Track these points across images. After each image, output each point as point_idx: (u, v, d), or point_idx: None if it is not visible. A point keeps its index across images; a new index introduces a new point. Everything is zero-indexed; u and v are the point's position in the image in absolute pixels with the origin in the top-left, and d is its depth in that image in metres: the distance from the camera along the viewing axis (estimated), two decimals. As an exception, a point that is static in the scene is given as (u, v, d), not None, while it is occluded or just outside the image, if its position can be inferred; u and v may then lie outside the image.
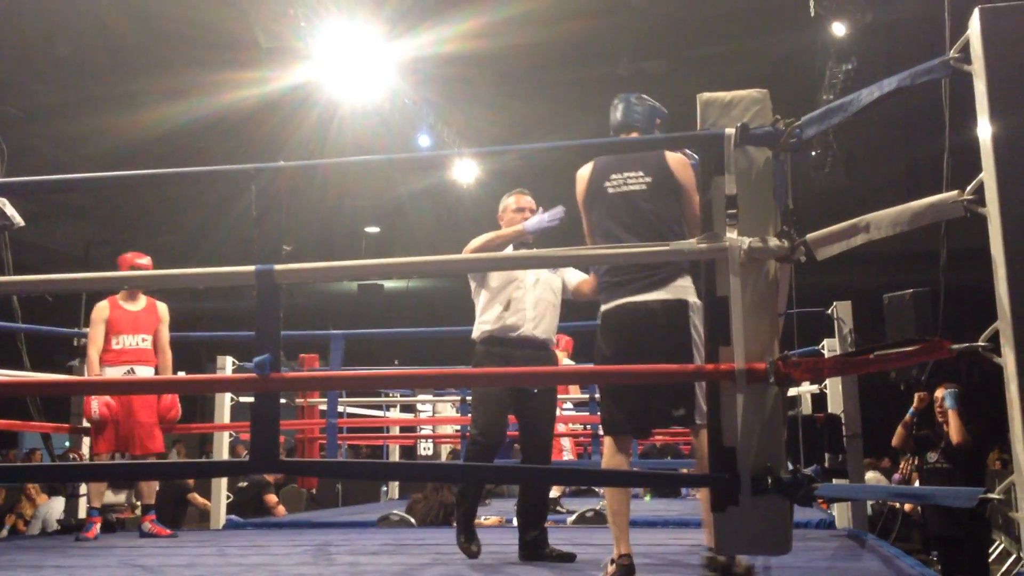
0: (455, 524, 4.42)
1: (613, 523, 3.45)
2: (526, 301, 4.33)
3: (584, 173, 3.77)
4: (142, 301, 5.98)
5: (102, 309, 5.85)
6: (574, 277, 4.47)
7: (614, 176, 3.67)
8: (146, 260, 5.83)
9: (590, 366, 3.54)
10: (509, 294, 4.32)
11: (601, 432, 3.62)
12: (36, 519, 8.60)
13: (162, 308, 6.05)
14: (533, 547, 4.26)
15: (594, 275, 4.17)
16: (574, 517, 6.71)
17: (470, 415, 4.55)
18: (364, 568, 4.08)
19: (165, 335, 6.00)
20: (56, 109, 12.17)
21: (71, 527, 6.19)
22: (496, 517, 7.07)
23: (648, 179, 3.61)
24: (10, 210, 5.10)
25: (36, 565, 4.36)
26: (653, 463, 9.01)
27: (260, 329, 2.85)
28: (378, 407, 9.86)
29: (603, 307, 3.62)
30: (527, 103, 12.73)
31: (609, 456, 3.54)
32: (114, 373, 5.71)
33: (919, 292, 5.30)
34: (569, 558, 4.19)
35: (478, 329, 4.36)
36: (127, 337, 5.83)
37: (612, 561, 3.39)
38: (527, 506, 4.35)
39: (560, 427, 8.24)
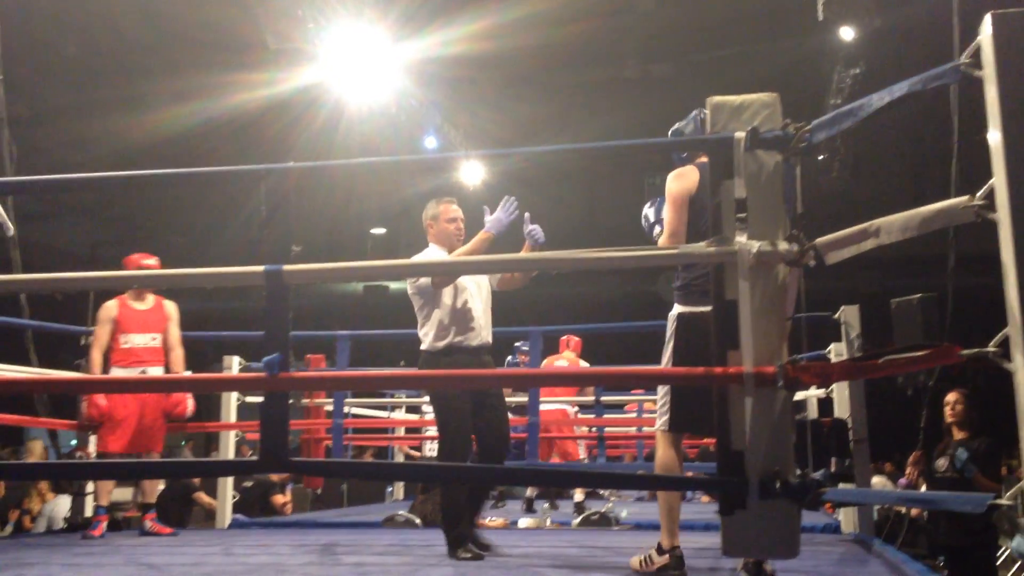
0: (450, 543, 4.43)
1: (668, 516, 3.58)
2: (477, 311, 4.53)
3: (693, 171, 3.62)
4: (150, 300, 5.99)
5: (110, 308, 5.85)
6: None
7: None
8: (153, 261, 5.83)
9: (615, 367, 3.57)
10: (463, 305, 4.49)
11: (663, 428, 3.68)
12: (42, 517, 8.61)
13: (170, 306, 6.06)
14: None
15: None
16: (579, 519, 6.71)
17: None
18: (370, 568, 4.08)
19: (175, 333, 6.01)
20: (65, 110, 12.20)
21: (77, 525, 6.20)
22: (501, 519, 7.07)
23: None
24: (1, 217, 5.12)
25: (43, 563, 4.36)
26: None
27: (269, 329, 2.87)
28: (383, 408, 9.87)
29: (686, 308, 3.62)
30: (534, 105, 12.75)
31: (667, 452, 3.66)
32: (126, 374, 5.71)
33: (926, 297, 5.29)
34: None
35: (439, 340, 4.48)
36: (136, 336, 5.84)
37: (661, 552, 3.55)
38: (475, 497, 4.55)
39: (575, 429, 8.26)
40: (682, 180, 3.63)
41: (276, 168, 3.03)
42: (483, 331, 4.55)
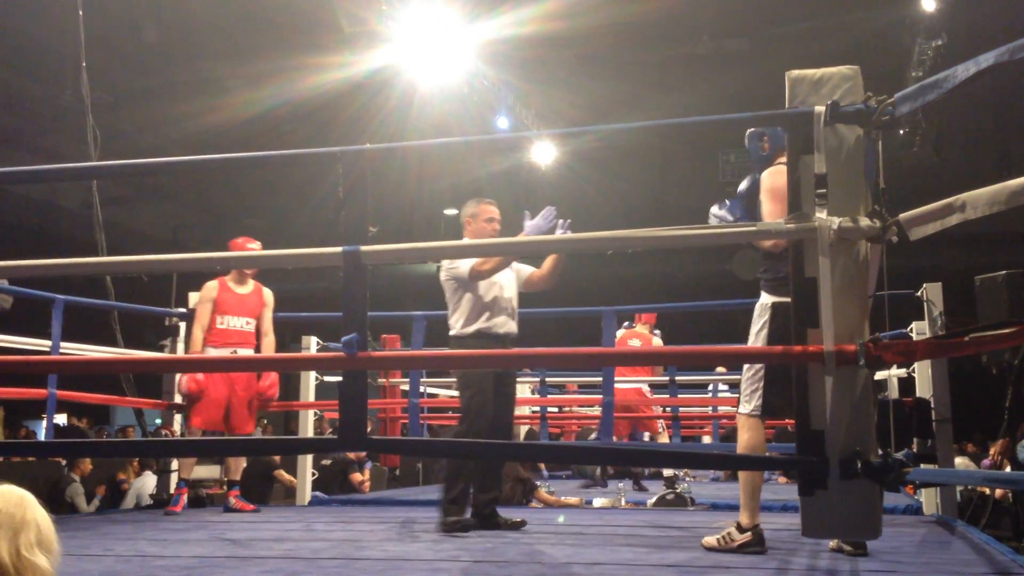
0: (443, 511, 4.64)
1: (750, 496, 3.68)
2: (506, 301, 4.75)
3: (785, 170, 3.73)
4: (250, 285, 6.07)
5: (211, 289, 5.94)
6: (527, 271, 4.88)
7: None
8: (256, 244, 5.92)
9: (693, 346, 3.55)
10: (493, 295, 4.70)
11: (754, 414, 3.74)
12: (130, 494, 8.87)
13: (268, 294, 6.14)
14: (488, 516, 4.71)
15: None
16: (654, 500, 6.69)
17: (463, 408, 4.80)
18: (447, 545, 4.13)
19: (269, 319, 6.10)
20: (144, 94, 12.46)
21: (163, 502, 6.37)
22: (576, 498, 7.09)
23: None
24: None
25: (130, 538, 4.49)
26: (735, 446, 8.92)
27: (347, 309, 2.89)
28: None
29: (780, 299, 3.67)
30: (606, 84, 12.67)
31: (755, 436, 3.74)
32: (218, 354, 5.82)
33: (1012, 274, 5.15)
34: (521, 524, 4.64)
35: (468, 325, 4.69)
36: (232, 318, 5.94)
37: (742, 530, 3.64)
38: (483, 471, 4.76)
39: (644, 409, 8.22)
40: (781, 176, 3.63)
41: (351, 150, 3.05)
42: (510, 321, 4.76)
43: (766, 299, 3.76)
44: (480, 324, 4.66)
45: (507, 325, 4.73)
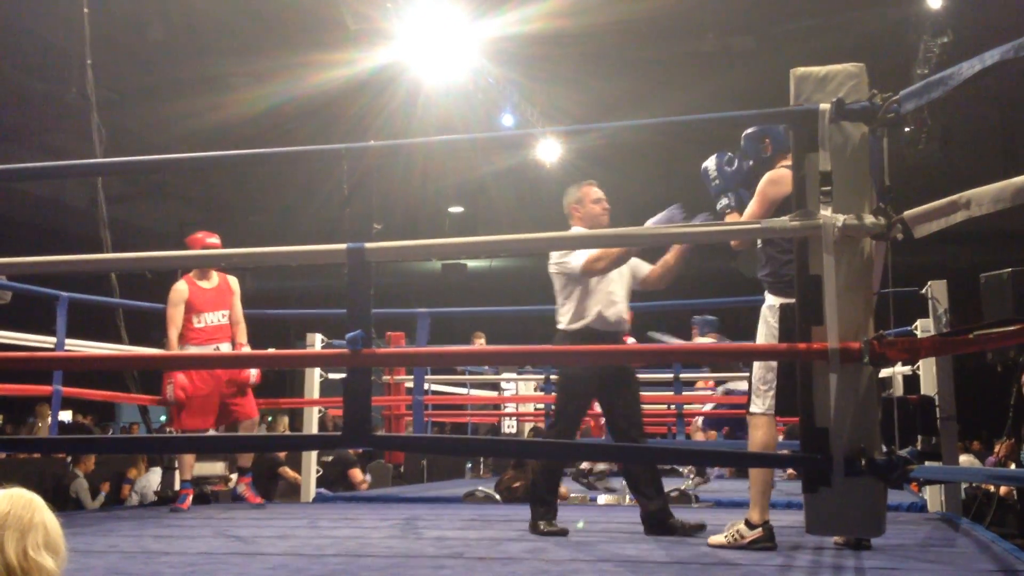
0: (533, 508, 4.47)
1: (761, 493, 3.70)
2: (618, 295, 4.52)
3: (789, 176, 3.69)
4: (215, 278, 6.04)
5: (181, 290, 5.90)
6: (644, 268, 4.63)
7: None
8: (215, 239, 5.90)
9: (701, 344, 3.55)
10: (606, 288, 4.47)
11: (768, 412, 3.75)
12: (135, 491, 8.89)
13: (233, 282, 6.12)
14: (657, 518, 4.34)
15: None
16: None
17: (555, 404, 4.69)
18: (451, 542, 4.13)
19: (239, 307, 6.08)
20: (149, 92, 12.47)
21: (169, 498, 6.38)
22: (580, 495, 7.09)
23: None
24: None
25: (135, 534, 4.50)
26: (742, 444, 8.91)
27: (352, 306, 2.89)
28: (461, 385, 9.94)
29: (787, 300, 3.55)
30: (611, 81, 12.65)
31: (768, 434, 3.76)
32: (201, 352, 5.81)
33: (1018, 271, 5.14)
34: (699, 528, 4.26)
35: (576, 321, 4.45)
36: (209, 315, 5.92)
37: (752, 526, 3.66)
38: (634, 480, 4.46)
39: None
40: (777, 186, 3.69)
41: (355, 147, 3.05)
42: (622, 316, 4.54)
43: (773, 300, 3.75)
44: (590, 319, 4.43)
45: (619, 320, 4.50)
